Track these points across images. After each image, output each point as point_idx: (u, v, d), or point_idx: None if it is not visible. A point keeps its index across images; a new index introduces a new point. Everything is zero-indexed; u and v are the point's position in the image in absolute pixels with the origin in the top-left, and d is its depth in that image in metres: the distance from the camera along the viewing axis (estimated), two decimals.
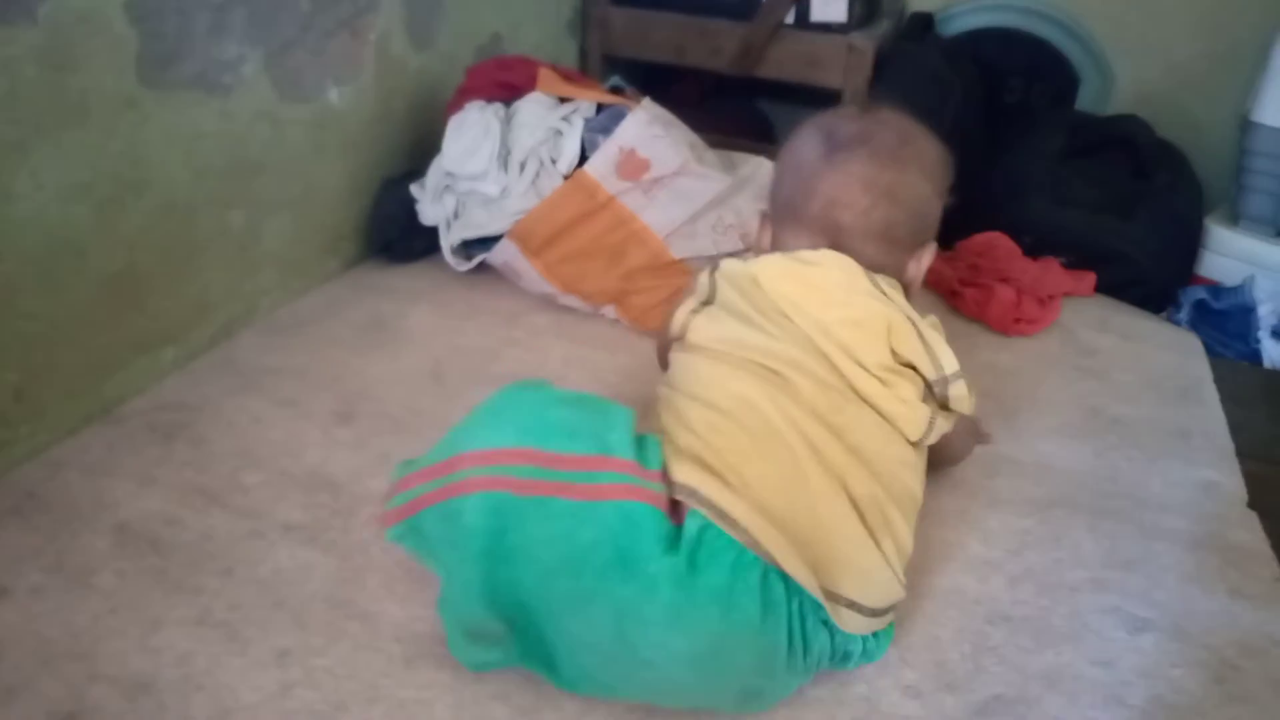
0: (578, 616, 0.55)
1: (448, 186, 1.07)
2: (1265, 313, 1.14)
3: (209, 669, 0.61)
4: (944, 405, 0.67)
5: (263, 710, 0.58)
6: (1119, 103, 1.55)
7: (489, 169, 1.03)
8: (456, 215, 1.07)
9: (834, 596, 0.58)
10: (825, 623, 0.58)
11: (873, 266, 0.68)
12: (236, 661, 0.61)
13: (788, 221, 0.73)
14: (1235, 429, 0.94)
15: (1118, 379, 1.02)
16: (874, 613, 0.60)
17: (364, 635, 0.64)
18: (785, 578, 0.56)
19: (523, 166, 1.03)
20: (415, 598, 0.67)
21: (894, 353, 0.64)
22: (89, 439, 0.81)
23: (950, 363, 0.65)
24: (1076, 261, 1.19)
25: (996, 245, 1.18)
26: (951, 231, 1.23)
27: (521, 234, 1.03)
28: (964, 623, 0.68)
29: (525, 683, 0.61)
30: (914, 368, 0.65)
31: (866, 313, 0.64)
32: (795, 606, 0.56)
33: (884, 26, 1.51)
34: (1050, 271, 1.16)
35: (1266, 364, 1.11)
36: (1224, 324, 1.14)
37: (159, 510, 0.73)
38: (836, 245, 0.70)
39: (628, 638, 0.54)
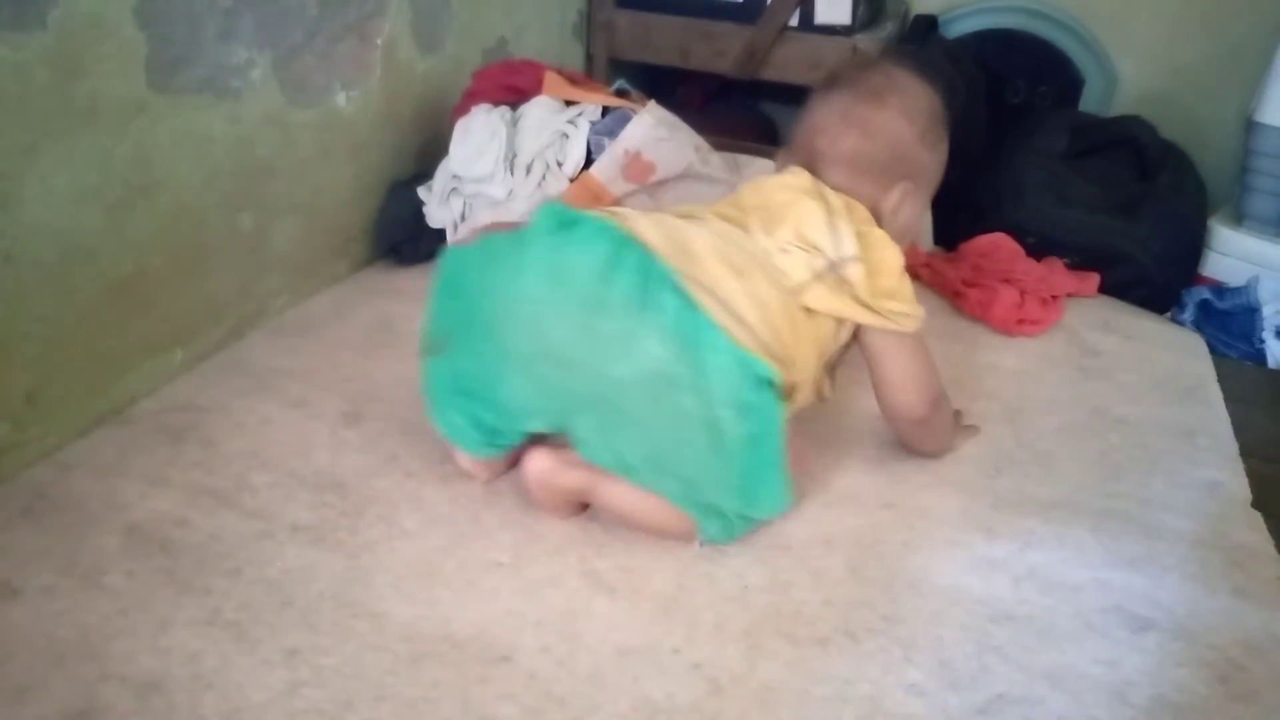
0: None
1: (454, 189, 1.07)
2: (1269, 313, 1.14)
3: (218, 668, 0.61)
4: (865, 304, 0.73)
5: (271, 709, 0.59)
6: (1122, 104, 1.56)
7: (495, 172, 1.03)
8: (464, 217, 1.08)
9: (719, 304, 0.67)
10: (715, 347, 0.66)
11: (842, 191, 0.76)
12: (245, 661, 0.62)
13: (787, 151, 0.83)
14: (1239, 429, 0.95)
15: (1121, 379, 1.02)
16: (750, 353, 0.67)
17: (371, 634, 0.64)
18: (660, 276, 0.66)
19: (529, 169, 1.04)
20: (421, 597, 0.67)
21: (800, 235, 0.73)
22: (99, 440, 0.82)
23: (849, 248, 0.72)
24: (1080, 262, 1.19)
25: (1000, 246, 1.18)
26: (955, 232, 1.24)
27: None
28: (968, 622, 0.68)
29: (531, 682, 0.61)
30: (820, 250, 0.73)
31: (787, 202, 0.75)
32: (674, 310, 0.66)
33: (888, 29, 1.51)
34: (1054, 272, 1.16)
35: (1271, 364, 1.11)
36: (1228, 324, 1.14)
37: (168, 511, 0.74)
38: (810, 168, 0.78)
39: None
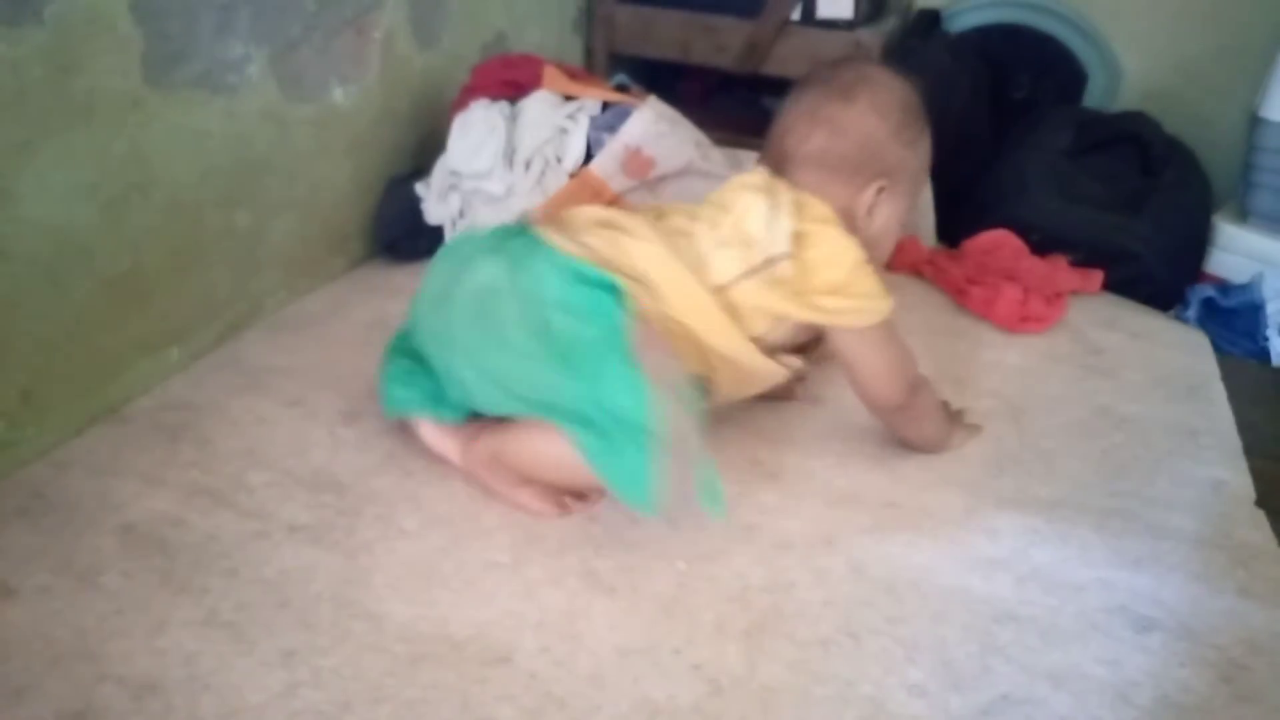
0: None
1: (453, 185, 1.07)
2: (1274, 310, 1.13)
3: (215, 669, 0.61)
4: (797, 301, 0.74)
5: (269, 710, 0.58)
6: (1126, 99, 1.55)
7: (494, 167, 1.03)
8: (462, 214, 1.07)
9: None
10: (544, 259, 0.71)
11: (811, 191, 0.76)
12: (242, 662, 0.61)
13: (762, 151, 0.82)
14: (1244, 427, 0.94)
15: (1125, 377, 1.01)
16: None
17: (369, 635, 0.64)
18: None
19: (528, 165, 1.03)
20: (420, 598, 0.67)
21: (739, 229, 0.74)
22: (95, 439, 0.81)
23: (782, 245, 0.72)
24: (1084, 259, 1.18)
25: (1003, 244, 1.18)
26: (959, 229, 1.24)
27: None
28: (970, 622, 0.68)
29: (531, 683, 0.61)
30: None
31: (736, 197, 0.76)
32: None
33: (890, 23, 1.50)
34: (1057, 269, 1.15)
35: (1275, 362, 1.11)
36: (1232, 322, 1.13)
37: (165, 510, 0.74)
38: (781, 169, 0.79)
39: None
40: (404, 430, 0.83)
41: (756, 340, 0.76)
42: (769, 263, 0.73)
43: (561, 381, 0.68)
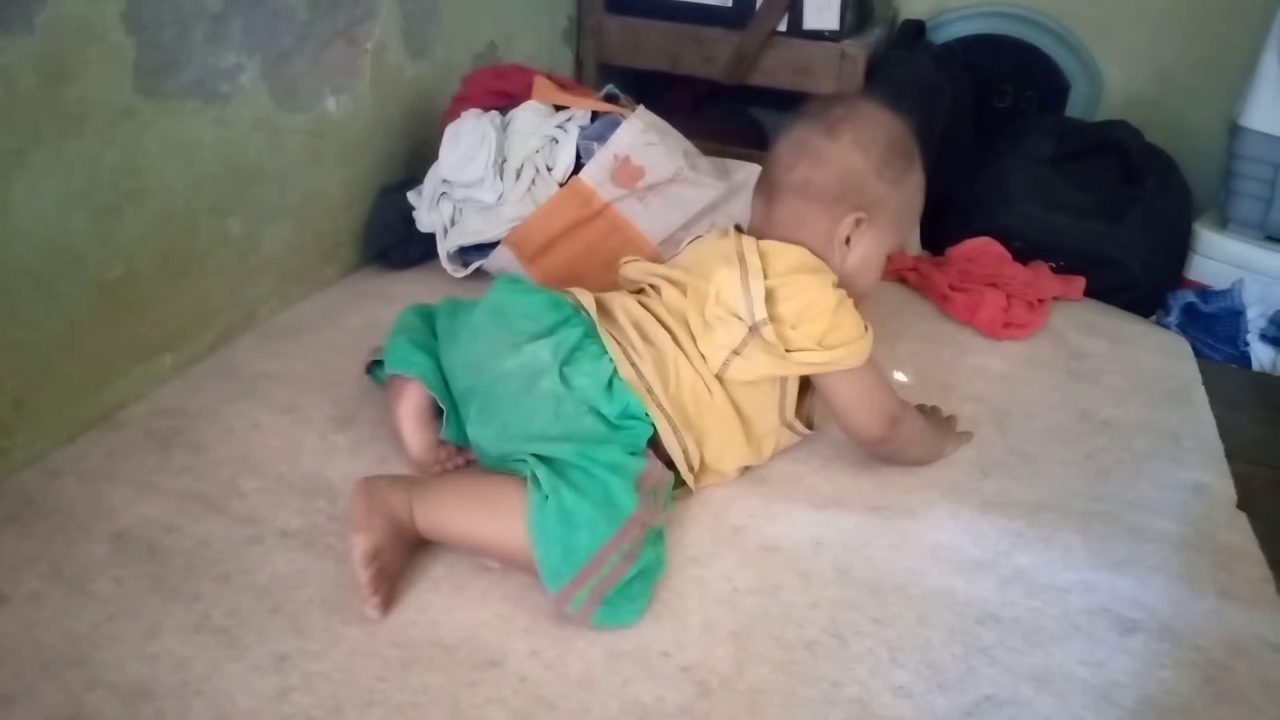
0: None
1: (444, 194, 1.08)
2: (1254, 315, 1.15)
3: (207, 674, 0.61)
4: (787, 361, 0.75)
5: (260, 715, 0.58)
6: (1108, 108, 1.57)
7: (485, 176, 1.03)
8: (453, 222, 1.08)
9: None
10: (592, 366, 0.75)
11: (790, 220, 0.80)
12: (234, 667, 0.62)
13: (758, 181, 0.85)
14: (1225, 431, 0.95)
15: (1108, 382, 1.03)
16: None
17: (361, 640, 0.64)
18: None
19: (519, 174, 1.04)
20: (411, 602, 0.67)
21: (721, 303, 0.76)
22: (87, 446, 0.81)
23: (760, 311, 0.74)
24: (1066, 266, 1.20)
25: (986, 251, 1.19)
26: (943, 236, 1.25)
27: (517, 241, 1.03)
28: (955, 624, 0.69)
29: (521, 685, 0.61)
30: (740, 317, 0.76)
31: (711, 271, 0.78)
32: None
33: (876, 34, 1.52)
34: (1040, 276, 1.17)
35: (1255, 367, 1.13)
36: (1213, 327, 1.15)
37: (157, 517, 0.74)
38: (770, 199, 0.82)
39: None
40: (395, 436, 0.84)
41: (775, 413, 0.80)
42: (753, 331, 0.75)
43: (561, 442, 0.70)
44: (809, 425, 0.83)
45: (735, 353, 0.76)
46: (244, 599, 0.67)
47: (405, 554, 0.70)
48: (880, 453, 0.84)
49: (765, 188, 0.83)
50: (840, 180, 0.79)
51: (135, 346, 0.87)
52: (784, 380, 0.79)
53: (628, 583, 0.66)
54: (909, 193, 0.82)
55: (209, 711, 0.59)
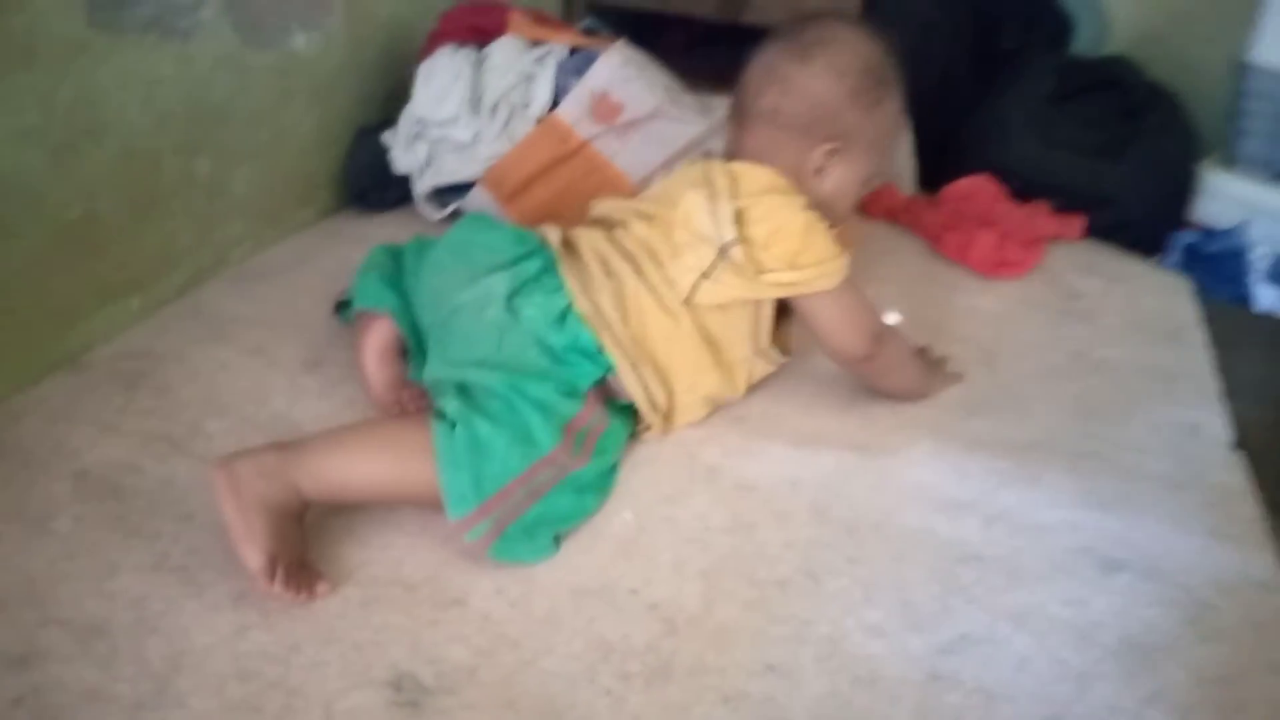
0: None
1: (419, 134, 1.05)
2: (1259, 256, 1.11)
3: (164, 612, 0.60)
4: (759, 281, 0.74)
5: (215, 651, 0.57)
6: (1114, 46, 1.51)
7: (460, 114, 1.00)
8: (429, 162, 1.05)
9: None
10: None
11: (760, 149, 0.77)
12: (192, 605, 0.61)
13: (729, 108, 0.82)
14: (1226, 372, 0.93)
15: (1103, 322, 1.00)
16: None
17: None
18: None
19: (494, 111, 1.01)
20: (373, 541, 0.66)
21: (689, 228, 0.74)
22: (52, 388, 0.80)
23: (728, 232, 0.73)
24: (1065, 205, 1.16)
25: (980, 189, 1.16)
26: (941, 177, 1.21)
27: (494, 180, 1.00)
28: (933, 563, 0.67)
29: (484, 624, 0.60)
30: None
31: (679, 198, 0.76)
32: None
33: None
34: (1036, 215, 1.13)
35: (1258, 308, 1.09)
36: (1216, 268, 1.11)
37: (120, 457, 0.73)
38: (740, 127, 0.79)
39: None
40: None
41: (751, 340, 0.78)
42: (722, 253, 0.73)
43: (496, 370, 0.69)
44: (785, 352, 0.81)
45: (704, 275, 0.73)
46: (205, 538, 0.66)
47: (300, 532, 0.63)
48: (866, 374, 0.81)
49: (736, 115, 0.80)
50: (811, 109, 0.76)
51: (100, 288, 0.85)
52: (758, 305, 0.76)
53: (532, 523, 0.64)
54: (885, 120, 0.79)
55: (164, 648, 0.58)
